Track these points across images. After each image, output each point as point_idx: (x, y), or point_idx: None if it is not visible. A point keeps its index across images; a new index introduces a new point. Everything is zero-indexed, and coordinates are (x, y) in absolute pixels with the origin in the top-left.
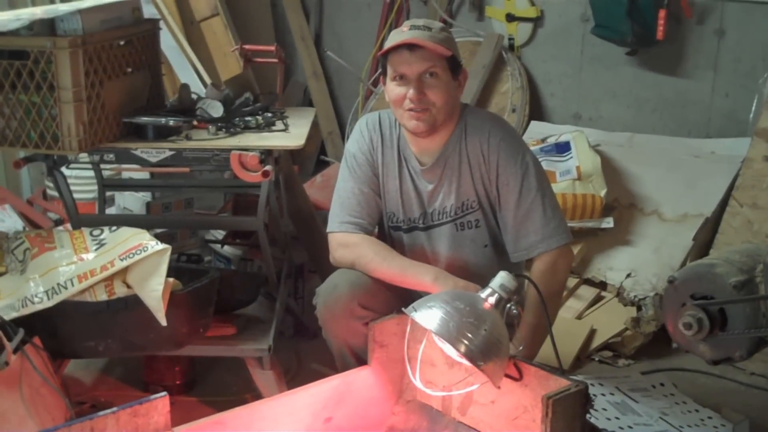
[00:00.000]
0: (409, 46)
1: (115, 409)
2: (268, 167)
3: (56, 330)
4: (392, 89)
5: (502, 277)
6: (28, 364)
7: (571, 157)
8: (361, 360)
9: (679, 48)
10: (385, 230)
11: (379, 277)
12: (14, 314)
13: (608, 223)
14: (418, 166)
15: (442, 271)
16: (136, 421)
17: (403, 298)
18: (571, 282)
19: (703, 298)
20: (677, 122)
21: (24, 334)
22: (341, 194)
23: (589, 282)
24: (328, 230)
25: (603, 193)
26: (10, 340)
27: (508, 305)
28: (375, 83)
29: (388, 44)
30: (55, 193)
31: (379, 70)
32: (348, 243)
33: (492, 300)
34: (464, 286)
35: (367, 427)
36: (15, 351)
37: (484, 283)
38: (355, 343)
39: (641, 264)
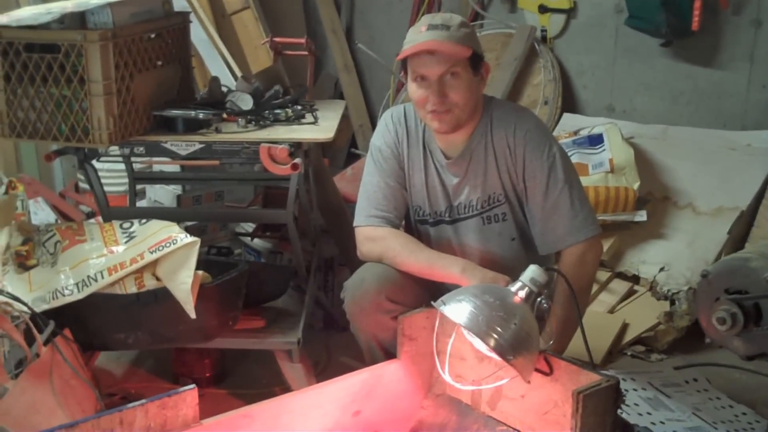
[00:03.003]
0: (429, 50)
1: (143, 401)
2: (297, 160)
3: (86, 322)
4: (414, 90)
5: (532, 271)
6: (59, 356)
7: (604, 150)
8: (389, 354)
9: (715, 39)
10: (412, 224)
11: (407, 270)
12: (45, 306)
13: (641, 216)
14: (444, 159)
15: (469, 262)
16: (164, 414)
17: (431, 291)
18: (604, 275)
19: (738, 292)
20: (712, 114)
21: (54, 326)
22: (367, 188)
23: (622, 276)
24: (354, 224)
25: (636, 186)
26: (41, 332)
27: (539, 299)
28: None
29: (406, 45)
30: (87, 186)
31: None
32: (375, 237)
33: (522, 294)
34: (493, 277)
35: (395, 421)
36: (46, 343)
37: (512, 276)
38: (383, 336)
39: (675, 258)
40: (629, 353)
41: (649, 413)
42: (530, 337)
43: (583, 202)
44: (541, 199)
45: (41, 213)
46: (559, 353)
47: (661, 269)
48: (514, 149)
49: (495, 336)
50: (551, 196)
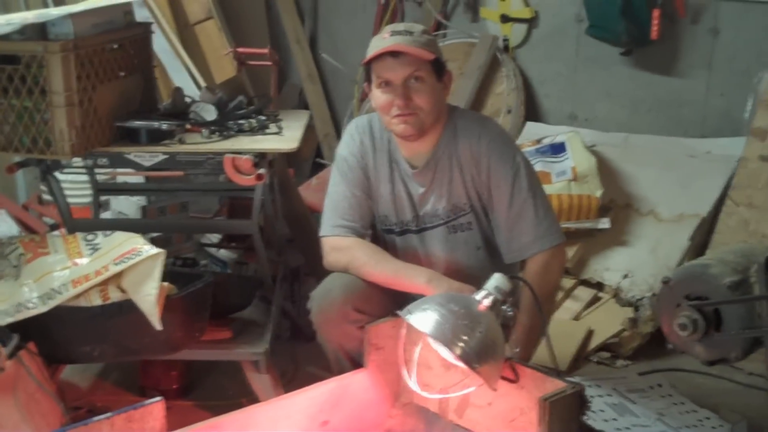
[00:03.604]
0: (393, 53)
1: (110, 414)
2: (261, 170)
3: (51, 335)
4: (378, 96)
5: (496, 279)
6: (23, 370)
7: (567, 158)
8: (356, 363)
9: (674, 47)
10: (378, 233)
11: (373, 281)
12: (9, 320)
13: (604, 223)
14: (409, 169)
15: (435, 273)
16: (131, 426)
17: (397, 301)
18: (568, 283)
19: (698, 298)
20: (672, 122)
21: (19, 340)
22: (333, 198)
23: (586, 283)
24: (320, 234)
25: (599, 193)
26: (5, 345)
27: (503, 307)
28: (366, 90)
29: (370, 52)
30: (50, 198)
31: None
32: (341, 246)
33: (487, 302)
34: (458, 287)
35: (364, 430)
36: (10, 356)
37: (478, 285)
38: (350, 346)
39: (638, 264)
40: (595, 360)
41: (614, 419)
42: (496, 345)
43: (547, 211)
44: (505, 208)
45: (4, 225)
46: (525, 361)
47: (625, 276)
48: (478, 159)
49: (461, 344)
50: (515, 205)
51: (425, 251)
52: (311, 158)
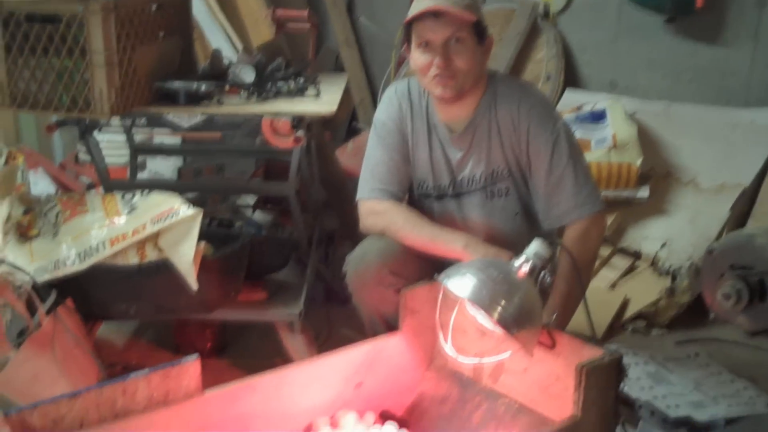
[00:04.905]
0: (434, 13)
1: (146, 371)
2: (300, 133)
3: (88, 293)
4: (418, 57)
5: (536, 245)
6: (61, 326)
7: (607, 126)
8: (390, 327)
9: (719, 17)
10: (415, 197)
11: (409, 244)
12: (47, 276)
13: (644, 192)
14: (447, 133)
15: (472, 237)
16: (167, 384)
17: (433, 264)
18: (605, 251)
19: (743, 268)
20: (715, 91)
21: (57, 296)
22: (371, 162)
23: (624, 251)
24: (357, 197)
25: (639, 162)
26: (43, 301)
27: (542, 273)
28: (406, 51)
29: (411, 12)
30: (87, 158)
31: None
32: (378, 210)
33: (526, 268)
34: (495, 253)
35: (397, 393)
36: (48, 312)
37: (514, 252)
38: (385, 309)
39: (677, 234)
40: (630, 328)
41: (651, 387)
42: (533, 311)
43: (587, 178)
44: (545, 175)
45: (41, 184)
46: (561, 328)
47: (663, 245)
48: (518, 125)
49: (499, 309)
50: (555, 171)
51: (462, 216)
52: (346, 123)
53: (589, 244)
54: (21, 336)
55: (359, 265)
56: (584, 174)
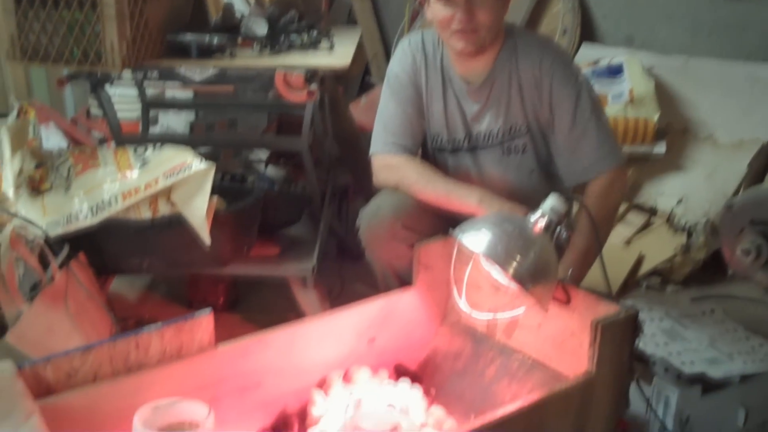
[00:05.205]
0: None
1: (159, 325)
2: (313, 87)
3: (101, 247)
4: (438, 10)
5: (552, 200)
6: (74, 280)
7: (624, 80)
8: (404, 282)
9: None
10: (429, 152)
11: (423, 199)
12: (59, 230)
13: (660, 148)
14: (464, 86)
15: (487, 192)
16: (180, 338)
17: (446, 219)
18: (621, 207)
19: (763, 224)
20: (735, 46)
21: (69, 251)
22: (384, 116)
23: (639, 208)
24: (371, 152)
25: (656, 117)
26: (55, 256)
27: (558, 228)
28: (422, 3)
29: None
30: (99, 112)
31: None
32: (391, 164)
33: (542, 223)
34: (510, 207)
35: (411, 349)
36: (60, 267)
37: (528, 208)
38: (398, 264)
39: (693, 190)
40: (644, 285)
41: (665, 343)
42: (549, 266)
43: (608, 132)
44: (567, 130)
45: (53, 139)
46: (576, 283)
47: (679, 201)
48: (540, 80)
49: (514, 264)
50: (578, 126)
51: (478, 171)
52: (359, 77)
53: (611, 199)
54: (34, 290)
55: (372, 219)
56: (606, 129)
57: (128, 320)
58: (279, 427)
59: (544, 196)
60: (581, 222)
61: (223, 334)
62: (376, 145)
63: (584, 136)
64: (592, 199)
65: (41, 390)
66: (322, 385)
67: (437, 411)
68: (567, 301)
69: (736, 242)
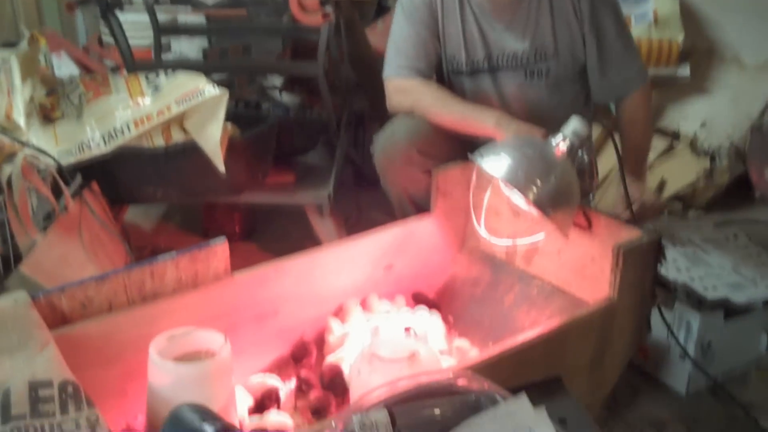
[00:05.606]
0: None
1: (174, 254)
2: (328, 9)
3: (114, 176)
4: None
5: (574, 123)
6: (87, 210)
7: (648, 1)
8: (420, 209)
9: None
10: (445, 76)
11: (438, 122)
12: (72, 159)
13: (684, 70)
14: (487, 5)
15: (504, 114)
16: (195, 267)
17: (463, 144)
18: None
19: None
20: None
21: (82, 180)
22: (397, 38)
23: (661, 131)
24: (384, 76)
25: (680, 38)
26: (68, 185)
27: (579, 152)
28: None
29: None
30: (111, 40)
31: None
32: (405, 88)
33: (563, 147)
34: (528, 129)
35: (428, 275)
36: (73, 196)
37: (547, 131)
38: (414, 190)
39: (717, 113)
40: (666, 210)
41: (687, 269)
42: (570, 191)
43: (636, 51)
44: (606, 49)
45: (64, 68)
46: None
47: (702, 125)
48: (578, 3)
49: (534, 189)
50: (616, 44)
51: (497, 93)
52: (376, 1)
53: (645, 113)
54: (47, 220)
55: (387, 144)
56: (633, 47)
57: (143, 249)
58: (296, 354)
59: (565, 119)
60: (625, 124)
61: (239, 263)
62: (389, 68)
63: (616, 55)
64: (629, 114)
65: (56, 320)
66: (340, 312)
67: (461, 342)
68: (588, 227)
69: (764, 164)
